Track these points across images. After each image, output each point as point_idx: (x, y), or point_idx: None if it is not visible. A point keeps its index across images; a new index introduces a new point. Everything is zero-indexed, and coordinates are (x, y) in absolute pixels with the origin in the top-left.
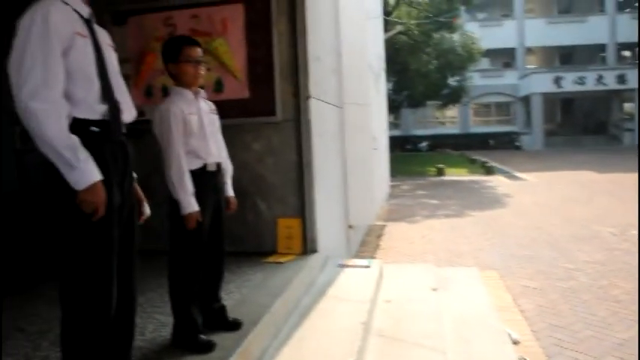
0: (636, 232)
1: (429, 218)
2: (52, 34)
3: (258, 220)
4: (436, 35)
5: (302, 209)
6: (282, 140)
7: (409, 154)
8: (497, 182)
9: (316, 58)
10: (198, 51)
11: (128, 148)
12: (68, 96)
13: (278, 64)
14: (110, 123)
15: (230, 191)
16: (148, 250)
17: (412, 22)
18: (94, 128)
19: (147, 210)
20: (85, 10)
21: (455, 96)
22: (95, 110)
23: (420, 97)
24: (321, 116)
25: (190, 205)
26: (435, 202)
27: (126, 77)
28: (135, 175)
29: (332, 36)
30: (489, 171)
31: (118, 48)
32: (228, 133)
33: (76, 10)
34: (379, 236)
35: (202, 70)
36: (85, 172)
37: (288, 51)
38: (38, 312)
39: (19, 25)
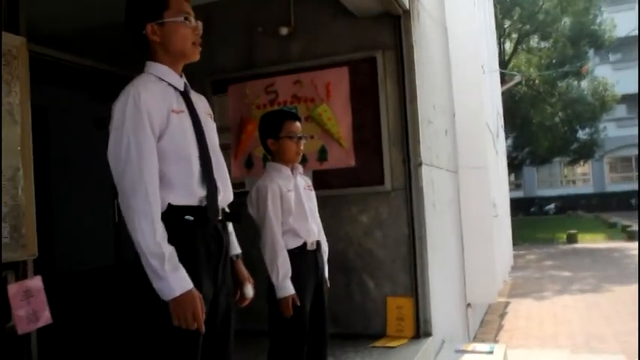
0: None
1: (560, 294)
2: (145, 120)
3: (366, 299)
4: (561, 84)
5: (414, 287)
6: (391, 211)
7: (534, 218)
8: None
9: (427, 120)
10: (299, 126)
11: (223, 232)
12: (163, 179)
13: (386, 130)
14: (207, 209)
15: (325, 273)
16: (246, 331)
17: (533, 71)
18: (188, 217)
19: (249, 292)
20: (180, 83)
21: (586, 150)
22: (193, 195)
23: (545, 153)
24: (433, 183)
25: (284, 288)
26: (566, 274)
27: (226, 147)
28: (239, 250)
29: (444, 95)
30: (632, 236)
31: (218, 117)
32: (333, 204)
33: (171, 84)
34: (502, 315)
35: (302, 146)
36: (172, 283)
37: (397, 115)
38: None
39: (113, 109)
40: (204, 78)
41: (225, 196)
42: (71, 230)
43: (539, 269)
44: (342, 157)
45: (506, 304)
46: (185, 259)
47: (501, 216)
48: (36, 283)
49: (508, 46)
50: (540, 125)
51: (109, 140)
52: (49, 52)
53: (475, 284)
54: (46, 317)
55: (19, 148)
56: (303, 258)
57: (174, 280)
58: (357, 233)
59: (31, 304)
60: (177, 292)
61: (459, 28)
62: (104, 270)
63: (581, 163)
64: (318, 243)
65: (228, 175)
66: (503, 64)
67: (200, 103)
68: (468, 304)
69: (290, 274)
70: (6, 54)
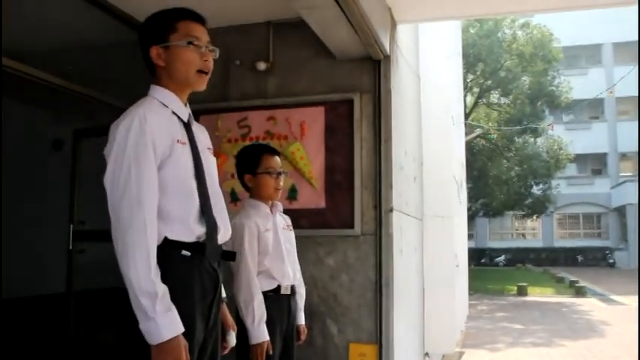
0: None
1: (513, 346)
2: (149, 147)
3: (328, 345)
4: (518, 139)
5: (379, 334)
6: (359, 256)
7: (485, 269)
8: (590, 306)
9: (399, 166)
10: (279, 161)
11: (219, 272)
12: (161, 213)
13: (359, 173)
14: (206, 246)
15: (302, 319)
16: None
17: (492, 125)
18: (185, 252)
19: (232, 340)
20: (185, 113)
21: (539, 206)
22: (191, 231)
23: (499, 206)
24: (402, 230)
25: (259, 333)
26: (518, 326)
27: None
28: (225, 294)
29: (415, 143)
30: (579, 292)
31: None
32: (299, 245)
33: (175, 113)
34: None
35: (282, 182)
36: (161, 326)
37: (371, 159)
38: None
39: (113, 131)
40: None
41: (225, 234)
42: (19, 255)
43: (491, 320)
44: (313, 197)
45: (461, 354)
46: (180, 295)
47: (460, 265)
48: None
49: (469, 99)
50: (496, 178)
51: (108, 164)
52: (17, 66)
53: (434, 333)
54: None
55: None
56: (275, 302)
57: (163, 322)
58: (323, 276)
59: None
60: (166, 337)
61: (432, 78)
62: (53, 298)
63: (534, 217)
64: (293, 288)
65: (227, 213)
66: (464, 116)
67: (202, 135)
68: (426, 354)
69: (265, 318)
70: None
